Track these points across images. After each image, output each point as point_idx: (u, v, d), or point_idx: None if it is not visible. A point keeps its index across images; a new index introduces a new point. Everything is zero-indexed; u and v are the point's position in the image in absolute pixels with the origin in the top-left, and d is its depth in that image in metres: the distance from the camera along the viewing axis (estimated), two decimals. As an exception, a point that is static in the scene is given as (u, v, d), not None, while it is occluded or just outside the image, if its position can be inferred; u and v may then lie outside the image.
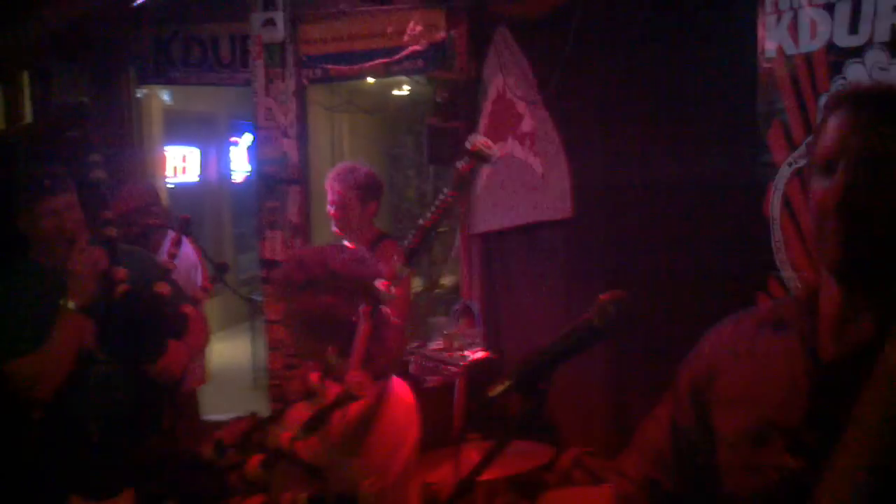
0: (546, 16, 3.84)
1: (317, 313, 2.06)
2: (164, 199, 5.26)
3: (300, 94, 4.44)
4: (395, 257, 2.31)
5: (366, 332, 2.02)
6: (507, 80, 4.05)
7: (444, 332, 4.11)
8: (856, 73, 2.49)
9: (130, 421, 2.61)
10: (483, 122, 4.27)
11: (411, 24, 4.24)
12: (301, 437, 1.87)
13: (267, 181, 4.51)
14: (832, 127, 1.15)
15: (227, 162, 9.35)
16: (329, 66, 4.42)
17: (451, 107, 4.38)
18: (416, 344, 4.19)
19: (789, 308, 1.27)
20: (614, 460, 1.50)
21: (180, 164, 8.40)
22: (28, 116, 4.41)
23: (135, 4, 4.38)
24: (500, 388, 1.18)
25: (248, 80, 4.49)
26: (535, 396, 1.17)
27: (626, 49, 3.43)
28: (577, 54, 3.56)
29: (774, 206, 2.76)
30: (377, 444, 1.98)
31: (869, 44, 2.46)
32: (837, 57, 2.55)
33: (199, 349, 3.20)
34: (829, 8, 2.57)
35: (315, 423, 1.86)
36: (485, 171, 4.19)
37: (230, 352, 7.51)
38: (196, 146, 8.74)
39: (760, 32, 2.80)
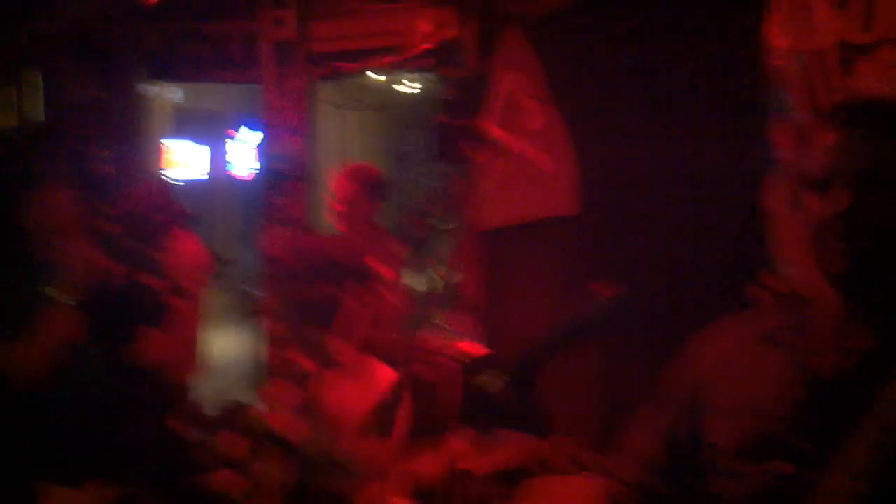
0: (555, 13, 3.84)
1: (316, 301, 2.07)
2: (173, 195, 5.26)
3: (309, 92, 4.45)
4: (397, 251, 2.32)
5: (365, 319, 2.03)
6: (516, 77, 4.06)
7: (443, 327, 4.11)
8: (867, 70, 2.48)
9: (105, 408, 2.60)
10: (492, 119, 4.26)
11: (421, 22, 4.25)
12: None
13: (275, 178, 4.51)
14: (829, 140, 1.15)
15: (224, 155, 9.38)
16: (338, 64, 4.43)
17: (461, 104, 4.38)
18: (414, 337, 4.18)
19: (787, 318, 1.27)
20: (600, 451, 1.49)
21: (189, 160, 8.42)
22: (41, 114, 4.43)
23: (144, 2, 4.39)
24: (494, 380, 1.19)
25: (257, 78, 4.50)
26: (529, 387, 1.18)
27: (635, 46, 3.42)
28: (586, 51, 3.56)
29: (775, 203, 2.75)
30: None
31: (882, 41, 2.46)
32: (848, 54, 2.54)
33: (189, 341, 3.19)
34: (842, 4, 2.56)
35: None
36: (493, 168, 4.19)
37: (232, 345, 7.53)
38: (206, 143, 8.75)
39: (770, 29, 2.79)
